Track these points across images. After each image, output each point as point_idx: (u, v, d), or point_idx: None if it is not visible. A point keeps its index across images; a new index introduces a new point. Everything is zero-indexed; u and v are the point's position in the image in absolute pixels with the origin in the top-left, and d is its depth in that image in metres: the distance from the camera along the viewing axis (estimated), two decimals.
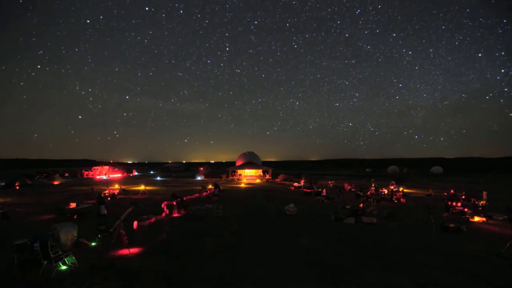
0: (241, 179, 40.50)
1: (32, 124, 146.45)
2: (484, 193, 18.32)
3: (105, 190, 22.28)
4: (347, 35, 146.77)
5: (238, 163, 46.11)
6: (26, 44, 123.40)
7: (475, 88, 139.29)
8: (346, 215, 13.31)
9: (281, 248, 8.91)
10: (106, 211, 13.99)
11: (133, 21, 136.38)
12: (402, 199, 20.03)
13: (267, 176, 42.72)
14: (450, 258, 8.03)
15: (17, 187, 29.02)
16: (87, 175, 49.67)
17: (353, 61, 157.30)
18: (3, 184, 30.12)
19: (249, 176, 42.75)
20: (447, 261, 7.81)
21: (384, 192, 22.82)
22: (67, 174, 50.74)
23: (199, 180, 41.22)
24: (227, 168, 46.62)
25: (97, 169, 51.49)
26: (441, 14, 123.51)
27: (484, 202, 16.58)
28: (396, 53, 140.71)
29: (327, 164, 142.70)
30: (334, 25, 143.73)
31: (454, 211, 14.24)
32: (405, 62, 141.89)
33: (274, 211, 15.40)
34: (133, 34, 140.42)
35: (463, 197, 19.63)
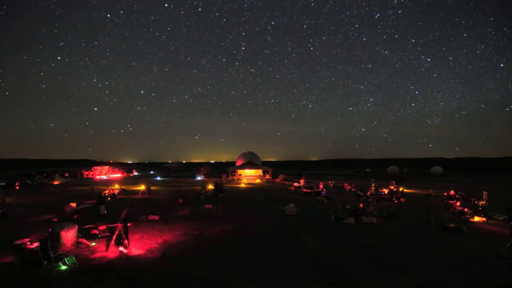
0: (241, 179, 40.50)
1: (49, 113, 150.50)
2: (484, 193, 18.32)
3: (105, 190, 22.28)
4: (364, 39, 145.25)
5: (238, 163, 46.10)
6: (48, 35, 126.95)
7: (495, 99, 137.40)
8: (346, 215, 13.32)
9: (281, 248, 8.91)
10: (106, 211, 13.99)
11: (152, 17, 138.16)
12: (402, 199, 20.04)
13: (267, 176, 42.72)
14: (450, 258, 8.03)
15: (17, 187, 29.03)
16: (87, 175, 49.68)
17: (369, 66, 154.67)
18: (3, 184, 30.13)
19: (249, 176, 42.74)
20: (447, 261, 7.81)
21: (384, 192, 22.83)
22: (67, 174, 50.75)
23: (199, 180, 41.22)
24: (227, 168, 46.62)
25: (97, 169, 51.49)
26: (463, 22, 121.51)
27: (484, 202, 16.59)
28: (414, 59, 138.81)
29: (327, 164, 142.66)
30: (352, 29, 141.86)
31: (454, 211, 14.24)
32: (423, 69, 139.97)
33: (274, 211, 15.40)
34: (151, 30, 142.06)
35: (457, 196, 19.69)
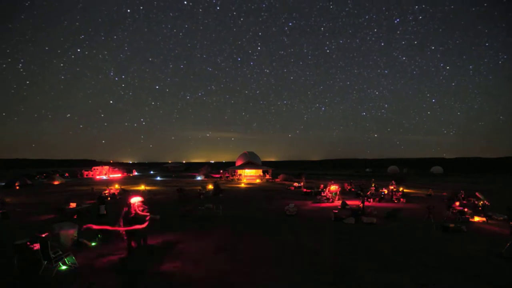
0: (241, 179, 40.50)
1: (67, 103, 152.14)
2: (476, 193, 18.30)
3: (105, 190, 22.29)
4: (382, 44, 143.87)
5: (238, 163, 46.10)
6: (69, 27, 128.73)
7: None
8: (346, 215, 13.31)
9: (281, 248, 8.91)
10: (105, 211, 13.99)
11: (171, 14, 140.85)
12: (402, 199, 20.04)
13: (267, 176, 42.72)
14: (450, 258, 8.03)
15: (17, 187, 29.03)
16: (87, 175, 49.68)
17: (386, 71, 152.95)
18: (3, 184, 30.13)
19: (249, 176, 42.74)
20: (447, 261, 7.81)
21: (384, 192, 22.82)
22: (67, 174, 50.75)
23: (199, 180, 41.22)
24: (227, 168, 46.63)
25: (97, 169, 51.51)
26: (486, 31, 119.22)
27: (483, 202, 16.57)
28: (432, 66, 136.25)
29: (327, 164, 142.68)
30: (370, 33, 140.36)
31: (454, 211, 14.24)
32: (441, 77, 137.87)
33: (274, 211, 15.40)
34: (169, 26, 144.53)
35: (457, 196, 19.67)
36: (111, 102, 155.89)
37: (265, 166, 46.46)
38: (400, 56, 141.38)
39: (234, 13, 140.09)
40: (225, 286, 6.13)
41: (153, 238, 9.78)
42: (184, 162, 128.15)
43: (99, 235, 9.55)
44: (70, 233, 8.78)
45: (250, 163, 44.84)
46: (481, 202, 16.49)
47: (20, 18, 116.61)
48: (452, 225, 11.39)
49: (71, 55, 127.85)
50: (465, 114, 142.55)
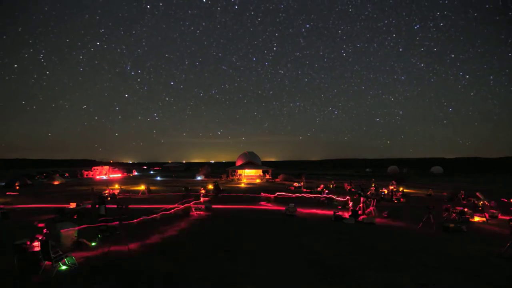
0: (241, 179, 40.50)
1: (84, 94, 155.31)
2: (477, 193, 18.33)
3: (105, 190, 22.29)
4: (400, 49, 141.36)
5: (238, 163, 46.10)
6: (90, 21, 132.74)
7: None
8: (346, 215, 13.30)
9: (281, 248, 8.91)
10: (106, 211, 13.97)
11: (189, 12, 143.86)
12: (402, 199, 20.04)
13: (267, 176, 42.72)
14: (450, 258, 8.03)
15: (17, 187, 29.03)
16: (87, 175, 49.68)
17: (402, 78, 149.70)
18: (3, 184, 30.12)
19: (249, 176, 42.74)
20: (447, 261, 7.81)
21: (384, 192, 22.83)
22: (67, 174, 50.74)
23: (199, 180, 41.21)
24: (227, 168, 46.62)
25: (97, 169, 51.52)
26: (509, 40, 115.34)
27: (483, 202, 16.57)
28: (451, 75, 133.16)
29: (327, 164, 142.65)
30: (389, 38, 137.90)
31: (454, 211, 14.24)
32: (460, 86, 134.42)
33: (274, 211, 15.39)
34: (187, 23, 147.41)
35: (457, 196, 19.68)
36: (126, 95, 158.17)
37: (265, 166, 46.46)
38: (418, 63, 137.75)
39: (252, 12, 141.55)
40: (225, 286, 6.13)
41: (153, 237, 9.79)
42: (184, 162, 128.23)
43: (99, 235, 9.55)
44: (70, 233, 8.77)
45: (250, 163, 44.84)
46: (481, 202, 16.50)
47: (43, 10, 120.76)
48: (452, 225, 11.39)
49: (91, 48, 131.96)
50: (483, 125, 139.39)
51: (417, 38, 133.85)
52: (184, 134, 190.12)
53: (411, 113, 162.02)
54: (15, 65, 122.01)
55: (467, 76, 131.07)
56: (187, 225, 11.96)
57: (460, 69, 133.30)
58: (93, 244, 8.96)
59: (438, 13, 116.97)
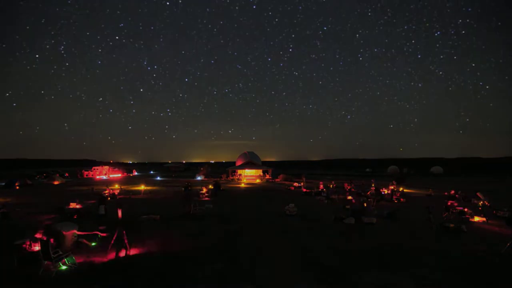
0: (241, 179, 40.50)
1: (101, 87, 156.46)
2: (477, 193, 18.33)
3: (105, 190, 22.29)
4: (419, 56, 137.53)
5: (238, 163, 46.10)
6: (111, 15, 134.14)
7: None
8: (346, 215, 13.31)
9: (281, 248, 8.91)
10: (105, 211, 13.98)
11: (207, 10, 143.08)
12: (402, 199, 20.04)
13: (267, 176, 42.72)
14: (450, 258, 8.03)
15: (17, 187, 29.02)
16: (87, 175, 49.66)
17: (420, 85, 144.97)
18: (3, 184, 30.12)
19: (249, 176, 42.74)
20: (447, 261, 7.81)
21: (384, 192, 22.83)
22: (67, 174, 50.72)
23: (199, 180, 41.22)
24: (227, 168, 46.61)
25: (97, 169, 51.47)
26: None
27: (483, 202, 16.58)
28: (471, 84, 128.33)
29: (327, 164, 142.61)
30: (408, 44, 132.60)
31: (454, 211, 14.24)
32: (479, 96, 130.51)
33: (274, 211, 15.39)
34: (205, 21, 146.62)
35: (456, 196, 19.68)
36: (141, 90, 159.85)
37: (265, 166, 46.47)
38: (437, 70, 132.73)
39: (270, 13, 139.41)
40: (225, 286, 6.13)
41: (152, 237, 9.79)
42: (184, 162, 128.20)
43: (99, 235, 9.55)
44: (70, 233, 8.77)
45: (250, 163, 44.84)
46: (481, 202, 16.51)
47: (66, 3, 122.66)
48: (452, 225, 11.39)
49: (109, 42, 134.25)
50: (502, 137, 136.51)
51: (437, 45, 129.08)
52: (196, 131, 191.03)
53: (426, 121, 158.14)
54: (36, 55, 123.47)
55: (487, 87, 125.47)
56: (187, 225, 11.96)
57: (480, 79, 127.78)
58: (93, 244, 8.96)
59: (460, 21, 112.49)
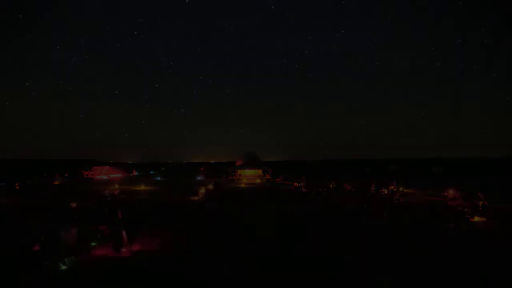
0: (241, 179, 40.46)
1: (118, 80, 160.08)
2: (478, 194, 18.29)
3: (105, 190, 22.28)
4: (438, 64, 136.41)
5: (238, 163, 46.08)
6: (131, 11, 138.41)
7: None
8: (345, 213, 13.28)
9: (280, 248, 8.90)
10: (105, 211, 13.97)
11: (226, 10, 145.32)
12: (401, 199, 20.01)
13: (267, 176, 42.69)
14: (450, 258, 8.02)
15: (17, 187, 29.03)
16: (87, 175, 49.60)
17: (438, 91, 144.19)
18: (3, 184, 30.12)
19: (249, 176, 42.71)
20: (447, 261, 7.80)
21: (384, 192, 22.80)
22: (67, 174, 50.67)
23: (199, 180, 41.17)
24: (227, 168, 46.60)
25: (97, 169, 51.37)
26: None
27: (483, 202, 16.56)
28: (493, 93, 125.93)
29: (327, 164, 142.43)
30: (427, 51, 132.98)
31: (453, 211, 14.23)
32: (502, 108, 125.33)
33: (273, 211, 15.39)
34: (222, 20, 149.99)
35: (457, 196, 19.65)
36: (156, 85, 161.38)
37: (265, 166, 46.44)
38: (455, 79, 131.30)
39: (287, 14, 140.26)
40: (225, 286, 6.13)
41: (152, 237, 9.79)
42: (184, 162, 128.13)
43: (99, 236, 9.54)
44: (70, 233, 8.77)
45: (250, 163, 44.81)
46: (481, 202, 16.49)
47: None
48: (452, 225, 11.38)
49: (128, 37, 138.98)
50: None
51: (456, 53, 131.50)
52: (208, 128, 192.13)
53: (443, 130, 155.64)
54: (57, 47, 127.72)
55: (508, 98, 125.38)
56: (187, 225, 11.95)
57: (504, 88, 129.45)
58: (93, 244, 8.95)
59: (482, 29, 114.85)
